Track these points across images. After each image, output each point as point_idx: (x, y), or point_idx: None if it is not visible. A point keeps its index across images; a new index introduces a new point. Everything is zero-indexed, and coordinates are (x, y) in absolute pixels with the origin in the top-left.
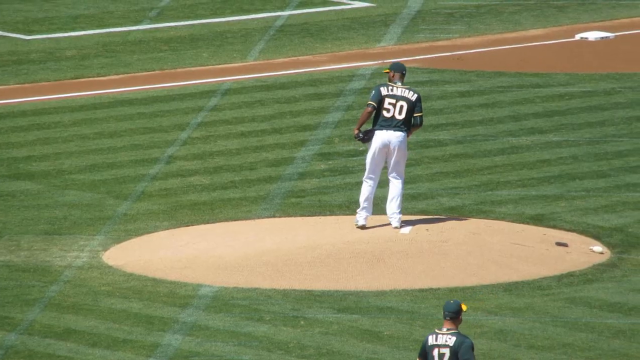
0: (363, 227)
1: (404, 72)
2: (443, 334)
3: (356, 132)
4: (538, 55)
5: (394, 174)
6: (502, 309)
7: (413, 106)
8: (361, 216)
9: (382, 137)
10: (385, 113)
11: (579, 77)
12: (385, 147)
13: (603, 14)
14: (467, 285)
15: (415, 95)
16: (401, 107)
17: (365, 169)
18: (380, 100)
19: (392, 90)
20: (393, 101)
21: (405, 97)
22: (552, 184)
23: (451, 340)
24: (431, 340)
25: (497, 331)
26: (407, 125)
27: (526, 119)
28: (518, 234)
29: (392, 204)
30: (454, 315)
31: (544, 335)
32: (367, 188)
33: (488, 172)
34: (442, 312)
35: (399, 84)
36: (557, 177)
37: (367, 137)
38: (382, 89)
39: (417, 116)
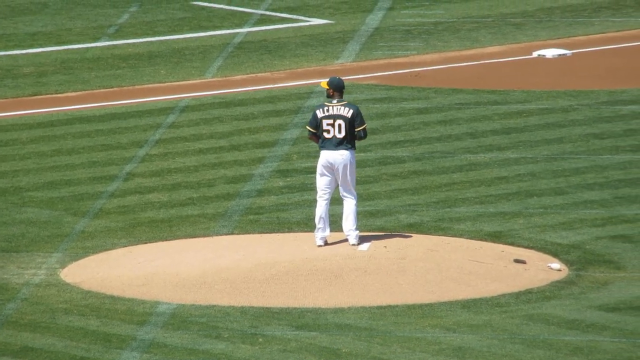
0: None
1: (343, 89)
2: None
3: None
4: (496, 72)
5: (344, 193)
6: (460, 326)
7: (352, 121)
8: (317, 236)
9: (326, 157)
10: (325, 134)
11: (537, 94)
12: (331, 166)
13: (560, 31)
14: (425, 302)
15: (352, 111)
16: (339, 125)
17: (315, 189)
18: (318, 123)
19: (327, 110)
20: (331, 121)
21: (341, 115)
22: (510, 201)
23: None
24: None
25: (455, 348)
26: (350, 141)
27: (484, 136)
28: (476, 251)
29: (348, 222)
30: None
31: (502, 352)
32: (319, 208)
33: (446, 189)
34: None
35: (335, 101)
36: (515, 194)
37: None
38: (318, 112)
39: (359, 130)
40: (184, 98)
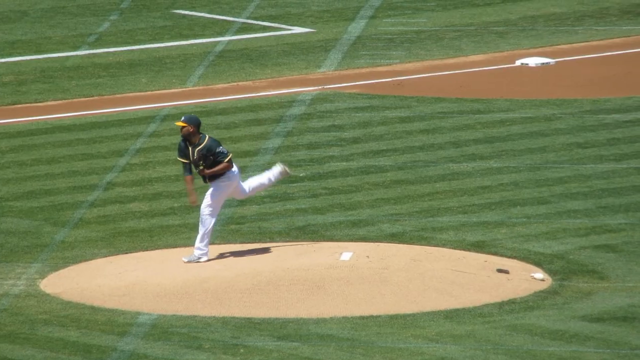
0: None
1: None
2: None
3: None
4: (478, 81)
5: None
6: (443, 336)
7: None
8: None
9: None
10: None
11: (520, 103)
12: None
13: (543, 40)
14: (407, 312)
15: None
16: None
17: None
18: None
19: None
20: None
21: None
22: (493, 210)
23: None
24: None
25: (438, 359)
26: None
27: (467, 145)
28: (459, 261)
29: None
30: None
31: None
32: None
33: (429, 199)
34: None
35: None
36: (498, 203)
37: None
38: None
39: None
40: (164, 107)
